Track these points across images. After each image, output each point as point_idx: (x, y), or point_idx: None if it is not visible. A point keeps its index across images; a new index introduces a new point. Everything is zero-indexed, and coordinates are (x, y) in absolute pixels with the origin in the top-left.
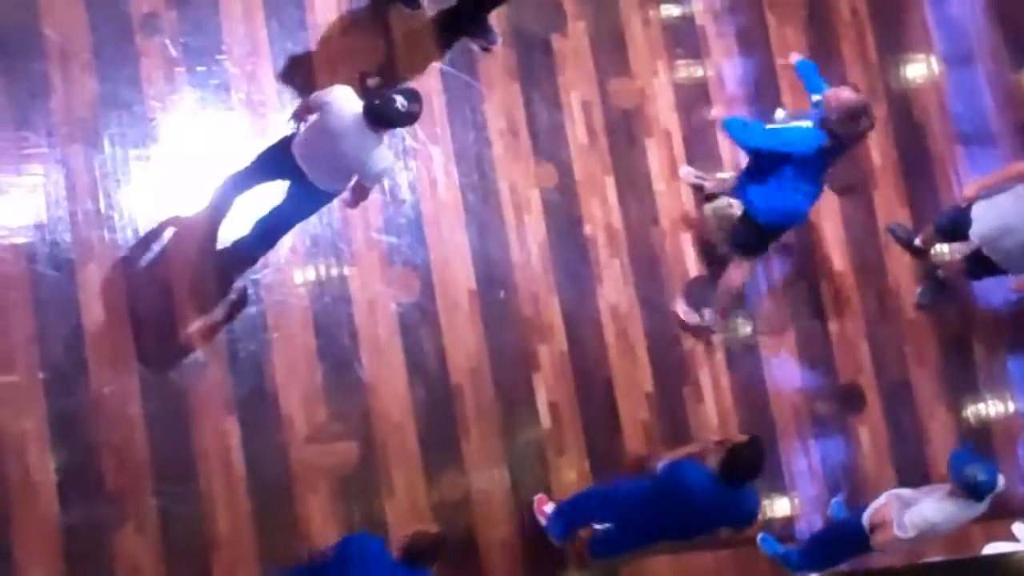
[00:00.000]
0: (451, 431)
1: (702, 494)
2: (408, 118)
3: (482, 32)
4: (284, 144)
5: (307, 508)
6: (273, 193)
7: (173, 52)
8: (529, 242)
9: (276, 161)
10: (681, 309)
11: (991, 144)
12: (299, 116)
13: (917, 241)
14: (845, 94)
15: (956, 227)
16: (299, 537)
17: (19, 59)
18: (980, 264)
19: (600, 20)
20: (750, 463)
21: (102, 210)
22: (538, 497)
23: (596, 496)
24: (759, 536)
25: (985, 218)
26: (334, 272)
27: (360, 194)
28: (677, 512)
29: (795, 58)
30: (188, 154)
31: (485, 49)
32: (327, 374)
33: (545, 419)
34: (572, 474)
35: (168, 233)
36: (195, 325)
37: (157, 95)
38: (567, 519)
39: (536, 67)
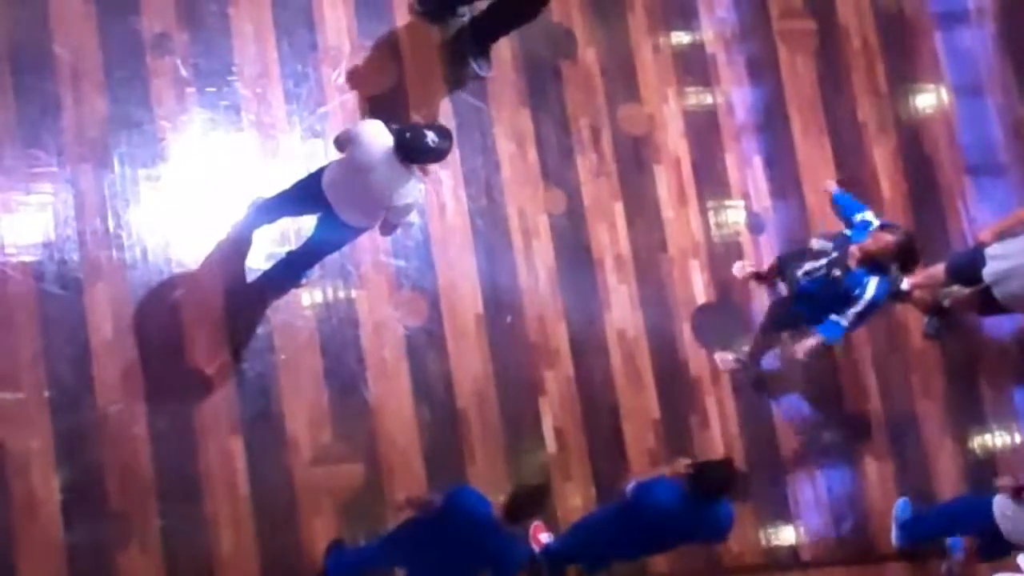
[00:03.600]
0: (456, 455)
1: (670, 510)
2: (436, 154)
3: (484, 53)
4: (315, 180)
5: (311, 530)
6: (295, 224)
7: (184, 72)
8: (537, 267)
9: (307, 196)
10: (720, 357)
11: (1000, 176)
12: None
13: (905, 284)
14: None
15: (973, 269)
16: (303, 559)
17: (30, 77)
18: (989, 303)
19: (610, 46)
20: (716, 479)
21: (111, 229)
22: (534, 524)
23: (577, 533)
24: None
25: (997, 259)
26: (342, 295)
27: (389, 227)
28: (647, 529)
29: (832, 187)
30: (197, 175)
31: (480, 76)
32: (333, 396)
33: (551, 444)
34: (577, 500)
35: (182, 256)
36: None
37: (167, 115)
38: (558, 557)
39: (546, 92)
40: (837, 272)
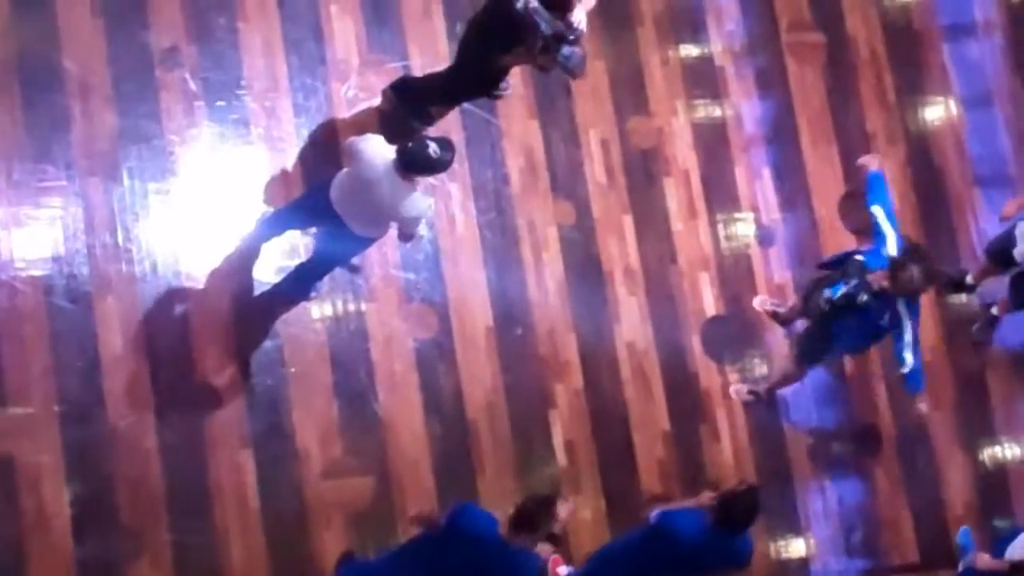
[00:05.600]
0: (466, 468)
1: (693, 540)
2: (440, 166)
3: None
4: (323, 192)
5: (321, 543)
6: (303, 237)
7: (193, 86)
8: (547, 280)
9: (314, 208)
10: (735, 390)
11: (1009, 187)
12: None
13: (969, 278)
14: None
15: (1004, 248)
16: (313, 572)
17: (40, 91)
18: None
19: (619, 59)
20: (743, 511)
21: (120, 243)
22: (552, 558)
23: (596, 561)
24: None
25: None
26: (351, 308)
27: (405, 236)
28: (668, 559)
29: (873, 165)
30: (206, 188)
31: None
32: (343, 409)
33: (561, 457)
34: (587, 512)
35: (191, 270)
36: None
37: (176, 129)
38: None
39: (555, 105)
40: (865, 298)
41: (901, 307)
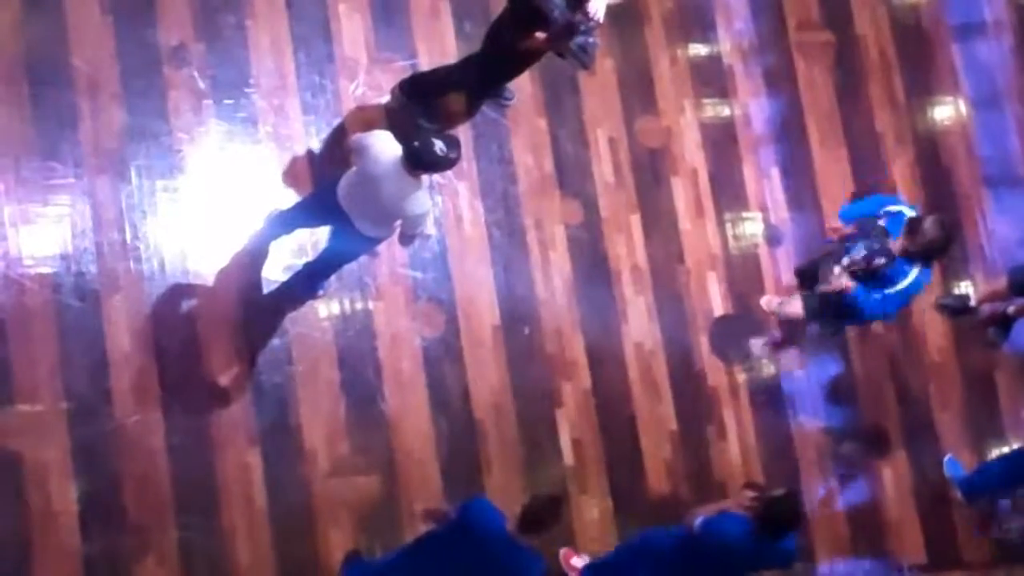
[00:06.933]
0: (473, 467)
1: (741, 547)
2: (446, 163)
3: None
4: (331, 190)
5: (328, 542)
6: (311, 235)
7: (201, 84)
8: (554, 279)
9: (322, 206)
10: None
11: (1018, 187)
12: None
13: (972, 301)
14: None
15: None
16: (319, 570)
17: (48, 89)
18: None
19: (628, 58)
20: (788, 518)
21: (128, 241)
22: (564, 551)
23: (627, 552)
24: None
25: None
26: (359, 306)
27: (406, 238)
28: (712, 565)
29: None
30: (214, 186)
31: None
32: (350, 408)
33: (568, 456)
34: (595, 512)
35: (199, 268)
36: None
37: (184, 127)
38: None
39: (563, 104)
40: (882, 260)
41: (913, 269)
